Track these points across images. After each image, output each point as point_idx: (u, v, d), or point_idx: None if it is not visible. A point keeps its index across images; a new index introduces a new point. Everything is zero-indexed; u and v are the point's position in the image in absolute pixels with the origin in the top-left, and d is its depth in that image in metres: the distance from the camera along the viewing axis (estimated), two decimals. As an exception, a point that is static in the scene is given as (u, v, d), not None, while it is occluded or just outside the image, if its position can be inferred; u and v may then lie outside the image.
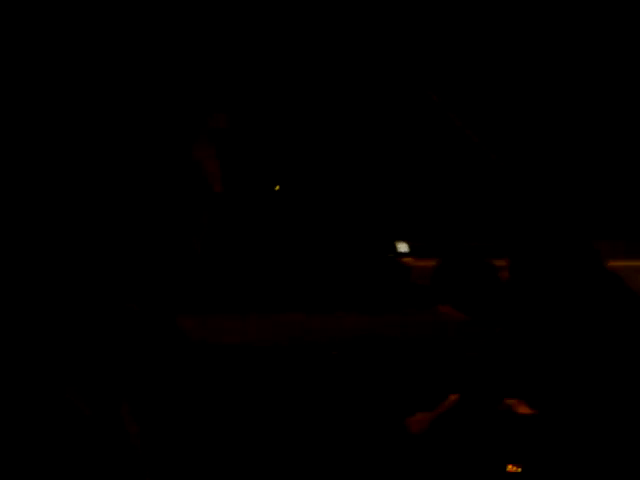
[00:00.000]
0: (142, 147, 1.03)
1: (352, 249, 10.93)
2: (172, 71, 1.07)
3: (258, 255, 10.77)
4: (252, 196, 10.77)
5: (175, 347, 1.24)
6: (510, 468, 3.00)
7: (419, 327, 8.47)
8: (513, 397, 3.00)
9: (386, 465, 3.44)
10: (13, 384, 0.98)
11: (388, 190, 11.75)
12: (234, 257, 10.59)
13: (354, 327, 9.31)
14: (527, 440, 3.01)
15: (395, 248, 11.01)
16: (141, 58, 1.02)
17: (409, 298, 10.87)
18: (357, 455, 3.83)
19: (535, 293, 3.14)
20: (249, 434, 3.79)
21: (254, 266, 10.71)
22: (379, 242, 11.02)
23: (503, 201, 3.38)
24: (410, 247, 11.02)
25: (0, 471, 0.94)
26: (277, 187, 10.86)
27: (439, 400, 3.28)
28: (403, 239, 11.08)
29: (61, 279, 1.02)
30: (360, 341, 8.33)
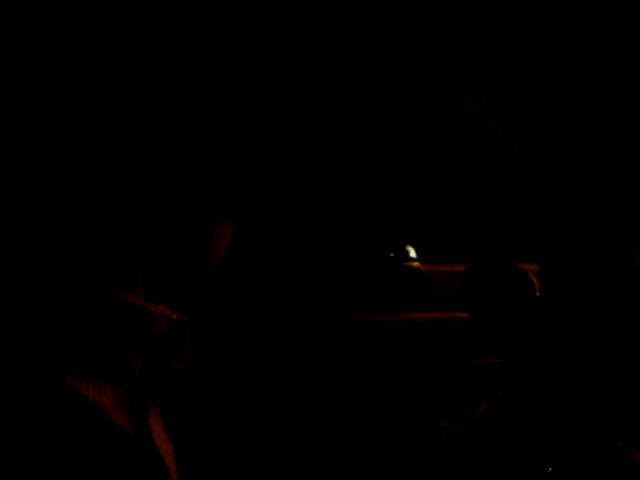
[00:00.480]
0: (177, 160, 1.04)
1: (362, 254, 10.98)
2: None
3: (273, 261, 10.80)
4: (266, 204, 10.83)
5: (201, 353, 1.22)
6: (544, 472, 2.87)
7: (438, 330, 8.43)
8: (546, 406, 3.00)
9: (415, 472, 3.21)
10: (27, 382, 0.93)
11: (399, 194, 11.79)
12: (251, 263, 10.64)
13: (371, 330, 9.28)
14: (559, 448, 2.90)
15: (406, 253, 11.15)
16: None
17: (420, 301, 10.96)
18: (385, 462, 3.60)
19: (568, 300, 3.09)
20: (271, 438, 3.63)
21: (269, 271, 10.74)
22: (389, 247, 11.09)
23: (533, 204, 3.21)
24: (419, 252, 11.16)
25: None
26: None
27: (469, 407, 3.11)
28: (412, 244, 11.22)
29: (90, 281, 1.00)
30: (381, 345, 8.29)
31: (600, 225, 3.21)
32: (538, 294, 3.18)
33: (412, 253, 11.20)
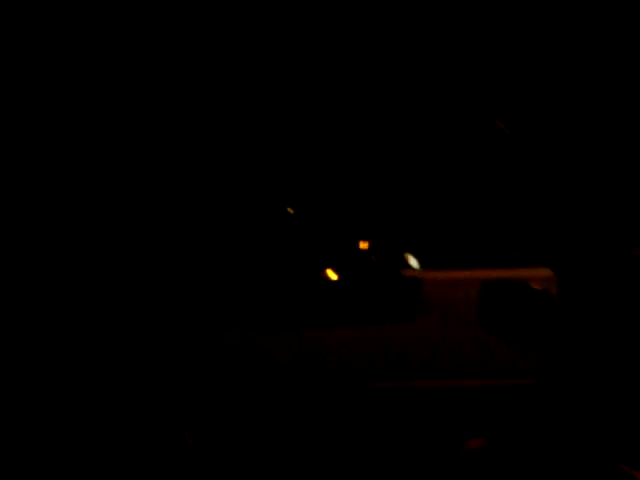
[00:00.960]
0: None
1: (362, 264, 10.97)
2: None
3: (275, 273, 10.80)
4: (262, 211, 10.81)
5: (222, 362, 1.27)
6: None
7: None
8: (570, 424, 2.94)
9: None
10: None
11: (399, 202, 11.80)
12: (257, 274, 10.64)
13: (384, 341, 9.30)
14: (586, 465, 2.82)
15: (406, 262, 11.12)
16: None
17: (421, 310, 10.95)
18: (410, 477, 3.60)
19: (586, 309, 3.05)
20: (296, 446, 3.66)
21: (272, 283, 10.75)
22: (391, 257, 11.07)
23: (547, 209, 3.15)
24: (421, 260, 11.12)
25: None
26: (291, 210, 10.93)
27: (491, 429, 3.03)
28: (413, 252, 11.18)
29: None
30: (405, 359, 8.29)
31: (610, 228, 3.15)
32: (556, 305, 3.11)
33: (413, 261, 11.13)
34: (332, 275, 10.84)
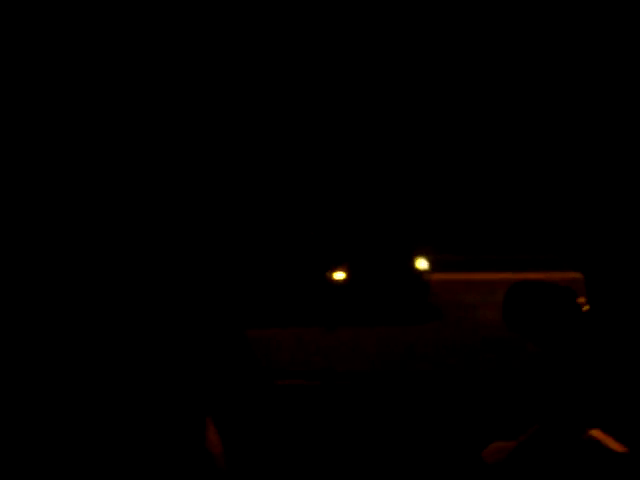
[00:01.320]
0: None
1: (375, 265, 10.89)
2: None
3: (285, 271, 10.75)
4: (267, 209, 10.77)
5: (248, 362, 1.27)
6: None
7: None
8: (597, 428, 2.83)
9: None
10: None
11: (410, 202, 11.72)
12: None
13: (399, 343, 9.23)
14: (612, 473, 2.72)
15: (415, 264, 10.99)
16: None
17: (432, 312, 10.85)
18: None
19: (616, 312, 3.00)
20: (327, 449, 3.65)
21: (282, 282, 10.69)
22: (401, 258, 10.98)
23: (577, 208, 3.11)
24: (430, 262, 11.00)
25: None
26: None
27: (517, 429, 2.95)
28: (422, 254, 11.05)
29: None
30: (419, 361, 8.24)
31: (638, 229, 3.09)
32: (584, 307, 3.13)
33: (423, 263, 10.96)
34: (338, 275, 10.73)
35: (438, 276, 11.42)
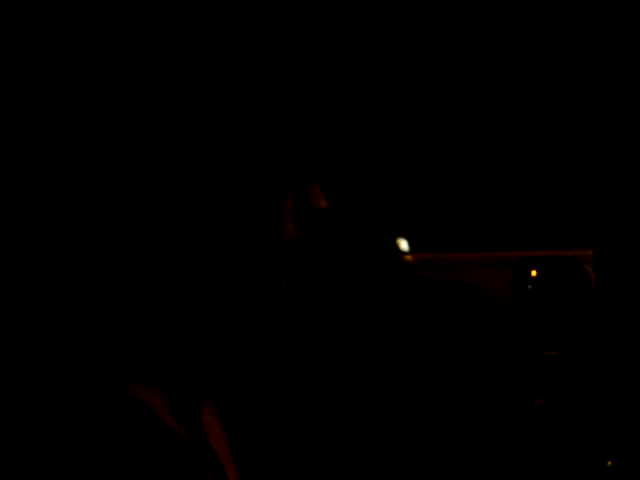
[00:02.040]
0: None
1: (360, 250, 10.86)
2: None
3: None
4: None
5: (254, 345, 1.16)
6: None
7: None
8: (600, 402, 2.83)
9: (464, 467, 3.29)
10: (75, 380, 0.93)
11: (397, 186, 11.69)
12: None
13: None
14: (616, 444, 2.73)
15: (397, 246, 10.95)
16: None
17: (417, 294, 10.82)
18: (435, 456, 3.72)
19: (624, 289, 2.95)
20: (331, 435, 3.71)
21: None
22: (382, 242, 10.94)
23: (588, 191, 3.15)
24: (411, 243, 10.95)
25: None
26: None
27: (521, 402, 3.03)
28: (403, 235, 11.00)
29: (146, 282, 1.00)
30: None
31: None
32: (593, 285, 3.15)
33: (403, 245, 10.91)
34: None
35: (420, 255, 11.38)
